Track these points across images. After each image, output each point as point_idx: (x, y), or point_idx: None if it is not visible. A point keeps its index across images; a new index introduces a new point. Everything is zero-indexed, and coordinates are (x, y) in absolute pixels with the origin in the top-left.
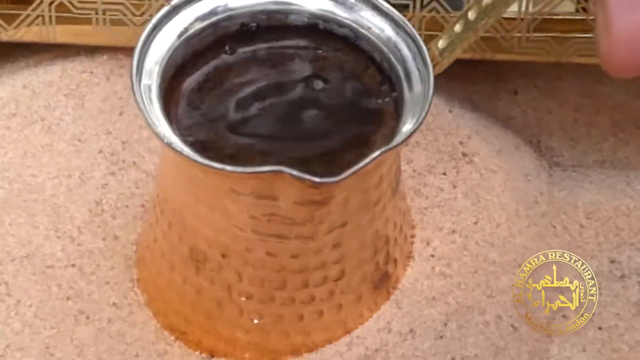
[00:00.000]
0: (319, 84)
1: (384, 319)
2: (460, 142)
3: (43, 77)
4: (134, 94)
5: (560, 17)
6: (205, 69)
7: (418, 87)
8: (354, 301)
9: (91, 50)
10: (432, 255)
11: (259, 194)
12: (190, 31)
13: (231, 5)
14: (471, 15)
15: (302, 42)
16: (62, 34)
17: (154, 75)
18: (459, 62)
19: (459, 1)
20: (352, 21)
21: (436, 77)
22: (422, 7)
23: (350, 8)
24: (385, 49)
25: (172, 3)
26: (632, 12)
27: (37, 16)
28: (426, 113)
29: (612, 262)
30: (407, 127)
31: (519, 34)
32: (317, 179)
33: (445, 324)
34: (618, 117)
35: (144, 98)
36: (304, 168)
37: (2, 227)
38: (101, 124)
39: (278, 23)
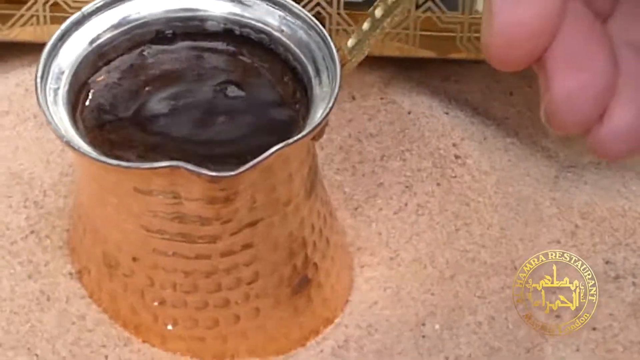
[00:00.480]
0: (232, 89)
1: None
2: (454, 144)
3: None
4: (37, 95)
5: None
6: (118, 70)
7: (326, 86)
8: (272, 306)
9: None
10: (414, 260)
11: (162, 192)
12: (103, 38)
13: (144, 13)
14: (377, 13)
15: (218, 48)
16: None
17: (62, 80)
18: (454, 63)
19: (453, 1)
20: (266, 25)
21: (433, 79)
22: (417, 7)
23: (263, 11)
24: (297, 51)
25: (82, 10)
26: (514, 8)
27: (32, 16)
28: (329, 111)
29: (607, 262)
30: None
31: None
32: (213, 173)
33: (424, 324)
34: None
35: (48, 100)
36: (210, 166)
37: None
38: None
39: (194, 30)
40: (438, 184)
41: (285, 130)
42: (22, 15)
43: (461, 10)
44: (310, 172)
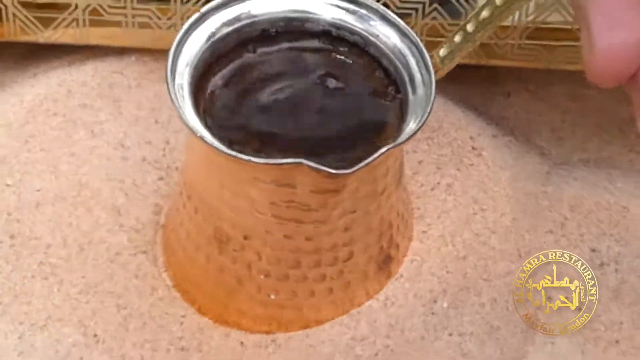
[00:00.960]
0: (332, 84)
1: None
2: (471, 137)
3: (76, 76)
4: (170, 94)
5: (550, 26)
6: (230, 67)
7: (421, 90)
8: (360, 280)
9: (119, 52)
10: (440, 236)
11: (279, 183)
12: (217, 35)
13: (253, 12)
14: (470, 27)
15: (317, 46)
16: (94, 36)
17: (185, 75)
18: (457, 66)
19: (456, 10)
20: (362, 29)
21: (441, 80)
22: (424, 15)
23: (360, 17)
24: (391, 55)
25: (202, 10)
26: (611, 34)
27: (73, 20)
28: (428, 114)
29: (593, 251)
30: (410, 126)
31: (512, 41)
32: (332, 171)
33: (435, 302)
34: (603, 119)
35: (178, 96)
36: (319, 159)
37: (60, 218)
38: (140, 133)
39: (295, 29)
40: (458, 169)
41: (380, 118)
42: (63, 19)
43: (463, 18)
44: (400, 166)
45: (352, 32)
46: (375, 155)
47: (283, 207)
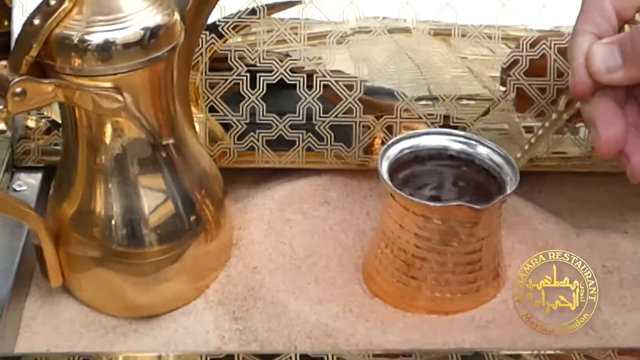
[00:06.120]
0: (461, 182)
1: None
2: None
3: (299, 187)
4: (382, 177)
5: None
6: (406, 172)
7: (509, 176)
8: (485, 285)
9: (318, 172)
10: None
11: (441, 219)
12: (398, 155)
13: (415, 147)
14: (533, 140)
15: (449, 163)
16: (306, 162)
17: (384, 168)
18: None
19: None
20: (473, 152)
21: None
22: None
23: (473, 147)
24: (493, 165)
25: (387, 143)
26: (606, 131)
27: (293, 161)
28: (515, 187)
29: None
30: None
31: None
32: (478, 207)
33: None
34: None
35: (386, 177)
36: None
37: (311, 253)
38: (347, 219)
39: (437, 155)
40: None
41: (489, 196)
42: (289, 153)
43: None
44: (500, 217)
45: (467, 154)
46: (496, 199)
47: (444, 235)
